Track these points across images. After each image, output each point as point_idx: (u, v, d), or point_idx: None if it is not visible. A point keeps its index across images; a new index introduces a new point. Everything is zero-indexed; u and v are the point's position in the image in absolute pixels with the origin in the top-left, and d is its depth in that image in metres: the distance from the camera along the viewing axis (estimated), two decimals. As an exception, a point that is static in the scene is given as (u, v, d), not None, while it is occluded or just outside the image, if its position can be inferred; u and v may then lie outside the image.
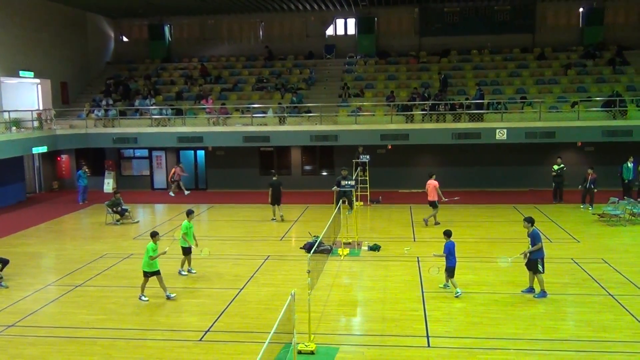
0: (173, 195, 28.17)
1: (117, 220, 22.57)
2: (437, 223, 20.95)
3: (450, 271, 13.90)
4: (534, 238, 13.42)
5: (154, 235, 13.96)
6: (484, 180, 28.31)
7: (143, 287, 13.86)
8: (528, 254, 13.49)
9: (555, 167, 24.60)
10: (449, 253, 13.80)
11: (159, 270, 13.86)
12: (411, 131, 26.62)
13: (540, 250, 13.40)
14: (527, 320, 12.21)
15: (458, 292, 13.81)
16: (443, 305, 13.16)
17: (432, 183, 20.73)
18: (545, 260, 13.63)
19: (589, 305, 13.10)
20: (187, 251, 15.65)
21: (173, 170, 28.50)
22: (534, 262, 13.41)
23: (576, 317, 12.54)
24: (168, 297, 13.78)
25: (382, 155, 28.35)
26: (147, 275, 13.78)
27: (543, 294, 13.33)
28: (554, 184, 24.78)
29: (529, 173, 28.26)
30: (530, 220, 13.63)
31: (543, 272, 13.42)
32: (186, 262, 15.89)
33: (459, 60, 33.38)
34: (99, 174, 30.69)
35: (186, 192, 28.50)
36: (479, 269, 15.91)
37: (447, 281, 14.10)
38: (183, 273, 15.76)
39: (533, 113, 26.66)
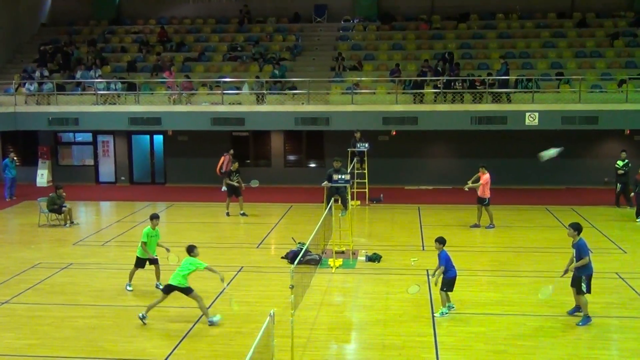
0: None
1: (65, 224, 22.46)
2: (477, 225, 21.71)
3: (450, 284, 13.94)
4: (580, 250, 13.29)
5: (191, 250, 13.62)
6: (510, 176, 28.42)
7: (151, 307, 13.72)
8: (570, 270, 13.43)
9: (620, 162, 24.09)
10: (448, 263, 13.84)
11: (188, 287, 13.50)
12: (420, 114, 26.66)
13: (587, 265, 13.31)
14: (562, 349, 12.26)
15: (451, 307, 13.92)
16: (458, 330, 13.20)
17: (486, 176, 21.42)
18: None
19: (637, 330, 13.18)
20: (141, 263, 15.54)
21: (222, 159, 27.84)
22: (578, 280, 13.35)
23: (621, 344, 12.62)
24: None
25: (384, 144, 28.39)
26: (176, 290, 13.57)
27: (587, 319, 13.31)
28: (619, 185, 24.23)
29: (566, 167, 28.40)
30: (576, 228, 13.46)
31: (588, 293, 13.37)
32: (134, 274, 15.75)
33: (481, 27, 33.44)
34: (31, 163, 30.52)
35: (224, 188, 27.47)
36: (502, 285, 15.97)
37: (445, 305, 13.98)
38: (129, 289, 15.65)
39: (571, 93, 26.77)
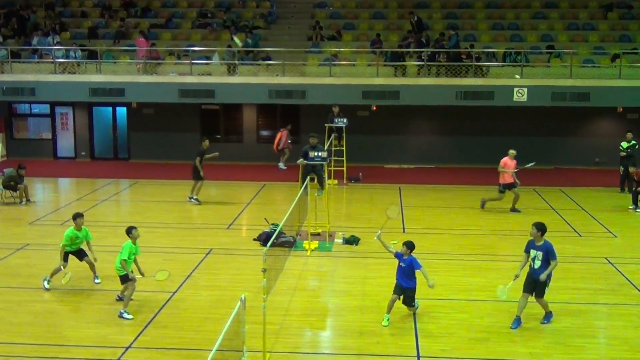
0: (284, 167, 26.89)
1: (21, 201, 22.20)
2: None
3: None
4: (551, 252, 12.59)
5: (128, 231, 13.37)
6: (496, 155, 28.44)
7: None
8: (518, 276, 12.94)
9: (625, 144, 23.81)
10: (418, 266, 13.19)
11: (124, 276, 13.40)
12: (402, 87, 26.70)
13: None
14: (547, 337, 12.48)
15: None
16: (439, 316, 13.37)
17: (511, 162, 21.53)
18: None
19: (626, 318, 13.42)
20: (67, 257, 14.88)
21: (279, 134, 27.56)
22: (542, 284, 12.69)
23: (609, 333, 12.87)
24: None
25: (363, 119, 28.43)
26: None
27: (550, 315, 12.98)
28: (622, 168, 23.91)
29: (555, 146, 28.65)
30: (540, 228, 12.70)
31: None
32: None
33: (468, -5, 33.49)
34: (-17, 136, 30.20)
35: (282, 165, 27.32)
36: (486, 269, 16.16)
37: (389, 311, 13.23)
38: (46, 286, 14.91)
39: (562, 68, 26.93)
